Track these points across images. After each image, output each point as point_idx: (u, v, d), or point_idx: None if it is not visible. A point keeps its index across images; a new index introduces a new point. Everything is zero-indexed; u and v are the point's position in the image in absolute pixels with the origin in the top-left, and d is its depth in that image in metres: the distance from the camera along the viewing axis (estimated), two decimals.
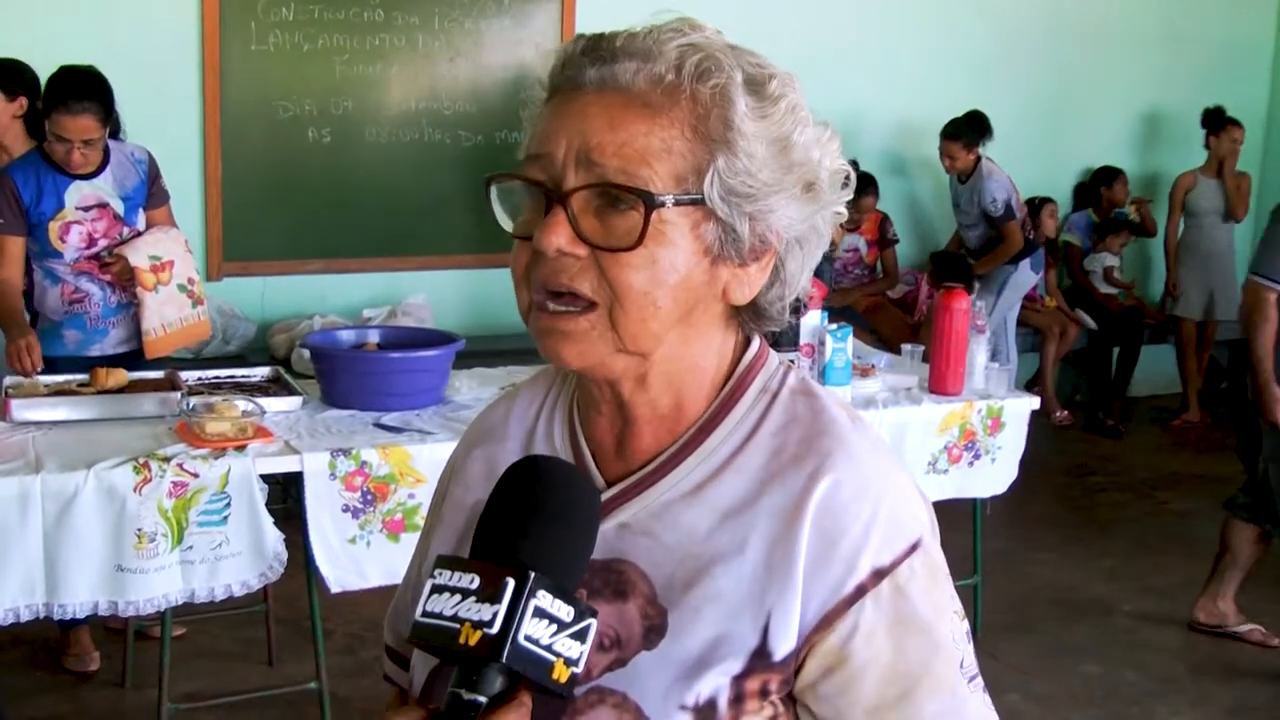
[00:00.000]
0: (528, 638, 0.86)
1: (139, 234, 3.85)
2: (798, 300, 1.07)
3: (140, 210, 3.88)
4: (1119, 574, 4.95)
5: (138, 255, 3.78)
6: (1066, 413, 7.04)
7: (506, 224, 1.02)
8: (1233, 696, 3.99)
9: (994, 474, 3.89)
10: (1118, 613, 4.58)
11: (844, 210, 1.05)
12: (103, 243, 3.80)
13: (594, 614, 0.90)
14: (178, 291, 3.88)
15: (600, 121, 0.95)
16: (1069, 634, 4.37)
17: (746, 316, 1.05)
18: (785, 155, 0.98)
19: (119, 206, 3.81)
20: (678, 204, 0.95)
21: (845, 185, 1.03)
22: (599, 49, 0.97)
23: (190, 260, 3.97)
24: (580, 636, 0.89)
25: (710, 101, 0.96)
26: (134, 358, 3.81)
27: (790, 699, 1.01)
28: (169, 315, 3.86)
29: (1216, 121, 6.99)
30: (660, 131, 0.95)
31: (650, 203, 0.94)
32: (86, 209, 3.76)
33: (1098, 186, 7.23)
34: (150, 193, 3.91)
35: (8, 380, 3.40)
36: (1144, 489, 6.08)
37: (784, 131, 0.98)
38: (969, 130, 6.32)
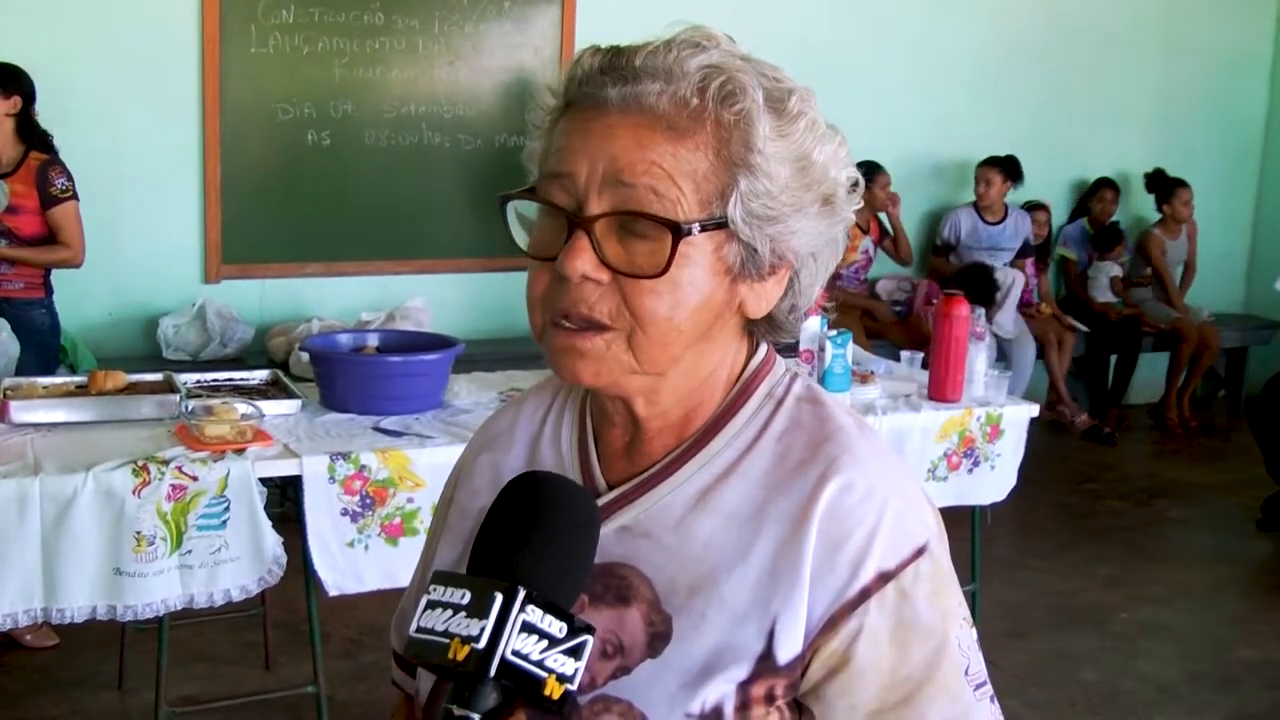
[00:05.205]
0: (515, 653, 0.85)
1: None
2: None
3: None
4: (1117, 581, 4.95)
5: None
6: (1085, 415, 7.05)
7: (523, 242, 1.01)
8: (1231, 705, 3.99)
9: (993, 481, 3.88)
10: (1116, 620, 4.57)
11: (853, 216, 1.05)
12: None
13: (590, 630, 0.88)
14: None
15: (628, 141, 0.94)
16: (1067, 641, 4.37)
17: (761, 327, 1.05)
18: (805, 174, 0.98)
19: None
20: (704, 229, 0.95)
21: (854, 190, 1.03)
22: (618, 67, 0.96)
23: None
24: (575, 653, 0.87)
25: (733, 125, 0.95)
26: None
27: (796, 706, 1.00)
28: None
29: (1163, 186, 7.19)
30: (686, 155, 0.94)
31: (677, 231, 0.93)
32: None
33: (1091, 198, 7.25)
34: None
35: (6, 381, 3.39)
36: (1142, 497, 6.09)
37: (804, 150, 0.98)
38: (1009, 166, 6.60)
